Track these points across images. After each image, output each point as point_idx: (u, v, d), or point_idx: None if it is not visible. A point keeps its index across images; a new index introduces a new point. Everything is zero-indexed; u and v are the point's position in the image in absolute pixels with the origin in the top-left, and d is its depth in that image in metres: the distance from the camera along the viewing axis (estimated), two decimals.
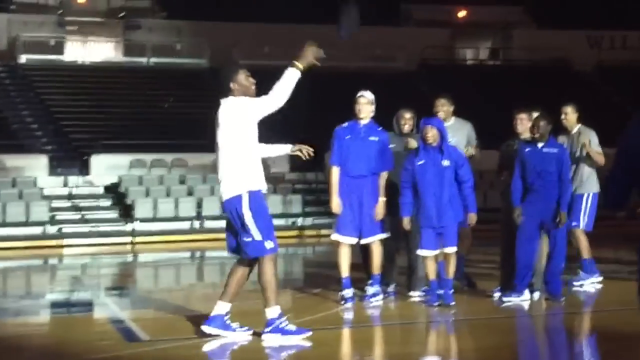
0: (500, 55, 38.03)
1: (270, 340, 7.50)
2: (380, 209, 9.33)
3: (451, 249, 9.11)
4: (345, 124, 9.55)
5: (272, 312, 7.51)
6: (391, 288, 9.92)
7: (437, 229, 9.07)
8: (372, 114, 9.50)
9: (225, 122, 7.47)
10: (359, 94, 9.54)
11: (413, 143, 9.61)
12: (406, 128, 9.89)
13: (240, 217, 7.40)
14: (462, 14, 37.32)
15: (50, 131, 26.94)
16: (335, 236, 9.46)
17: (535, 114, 9.65)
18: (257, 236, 7.38)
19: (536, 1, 35.96)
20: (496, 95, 29.59)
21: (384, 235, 9.48)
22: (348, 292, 9.44)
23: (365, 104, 9.43)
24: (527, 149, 9.43)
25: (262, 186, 7.52)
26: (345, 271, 9.43)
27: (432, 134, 9.03)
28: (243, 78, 7.62)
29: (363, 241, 9.46)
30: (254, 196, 7.40)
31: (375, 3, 35.14)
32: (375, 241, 9.43)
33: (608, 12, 34.50)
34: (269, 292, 7.46)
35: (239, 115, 7.45)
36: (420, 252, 9.22)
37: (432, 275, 9.23)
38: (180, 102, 28.78)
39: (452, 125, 9.98)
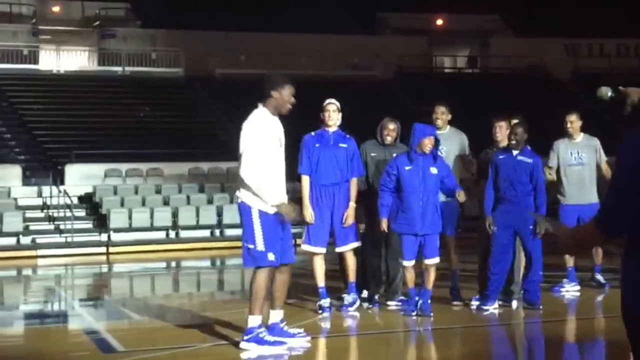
0: (478, 63, 38.21)
1: (247, 348, 7.45)
2: (350, 215, 9.31)
3: (432, 260, 9.05)
4: (313, 133, 9.51)
5: (253, 321, 7.49)
6: (376, 297, 9.87)
7: (419, 237, 9.02)
8: (339, 122, 9.46)
9: (247, 132, 7.44)
10: (326, 102, 9.51)
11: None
12: (389, 139, 9.83)
13: (249, 223, 7.44)
14: (439, 22, 37.50)
15: (24, 141, 26.75)
16: (305, 247, 9.41)
17: (514, 121, 9.66)
18: (260, 246, 7.40)
19: (513, 9, 36.19)
20: (474, 103, 29.68)
21: (357, 244, 9.45)
22: (325, 302, 9.40)
23: (334, 111, 9.41)
24: (501, 156, 9.42)
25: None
26: (320, 280, 9.39)
27: (431, 143, 9.01)
28: (287, 93, 7.54)
29: (338, 250, 9.43)
30: (265, 214, 7.43)
31: (351, 11, 35.27)
32: (349, 250, 9.40)
33: (585, 19, 34.76)
34: (255, 301, 7.43)
35: (252, 132, 7.44)
36: (403, 262, 9.16)
37: (411, 284, 9.18)
38: (156, 112, 28.71)
39: (446, 134, 9.93)
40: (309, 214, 9.24)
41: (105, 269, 18.85)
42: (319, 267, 9.38)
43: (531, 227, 9.24)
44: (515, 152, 9.35)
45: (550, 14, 35.37)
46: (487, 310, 9.36)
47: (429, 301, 9.14)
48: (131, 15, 34.07)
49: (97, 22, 33.18)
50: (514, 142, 9.34)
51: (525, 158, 9.35)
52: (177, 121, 28.50)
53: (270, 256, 7.43)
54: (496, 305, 9.44)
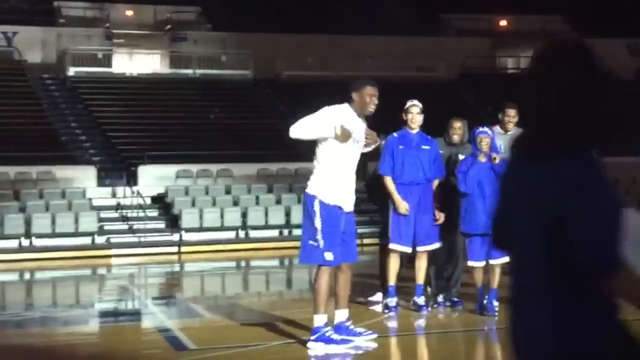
0: None
1: (315, 348, 7.61)
2: (440, 214, 9.45)
3: (498, 261, 9.14)
4: (396, 134, 9.62)
5: (319, 320, 7.65)
6: (440, 298, 9.96)
7: (485, 237, 9.13)
8: (421, 123, 9.58)
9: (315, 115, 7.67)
10: (410, 103, 9.61)
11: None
12: (455, 138, 9.94)
13: (310, 215, 7.56)
14: (502, 23, 37.21)
15: (99, 142, 27.30)
16: (392, 245, 9.50)
17: None
18: (320, 243, 7.51)
19: (575, 10, 35.70)
20: None
21: (438, 244, 9.56)
22: (392, 301, 9.52)
23: (417, 113, 9.53)
24: None
25: (338, 203, 7.62)
26: (392, 280, 9.52)
27: (486, 142, 9.20)
28: (366, 94, 7.77)
29: (419, 249, 9.53)
30: (326, 207, 7.54)
31: (415, 13, 35.18)
32: (428, 250, 9.52)
33: None
34: (319, 301, 7.58)
35: (330, 116, 7.62)
36: (469, 262, 9.29)
37: (479, 283, 9.30)
38: (226, 113, 28.98)
39: (512, 135, 9.97)
40: (403, 206, 9.36)
41: (176, 268, 19.14)
42: (395, 266, 9.50)
43: None
44: None
45: (612, 14, 34.80)
46: None
47: (495, 301, 9.22)
48: (202, 19, 34.46)
49: (169, 26, 33.64)
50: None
51: None
52: (246, 122, 28.74)
53: (329, 255, 7.54)
54: None
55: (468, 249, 9.30)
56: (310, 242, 7.54)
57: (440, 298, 9.94)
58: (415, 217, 9.38)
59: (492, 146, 9.31)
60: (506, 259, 9.09)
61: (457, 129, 9.95)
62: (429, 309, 9.61)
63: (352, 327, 7.96)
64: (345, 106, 7.79)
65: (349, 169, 7.75)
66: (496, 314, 9.14)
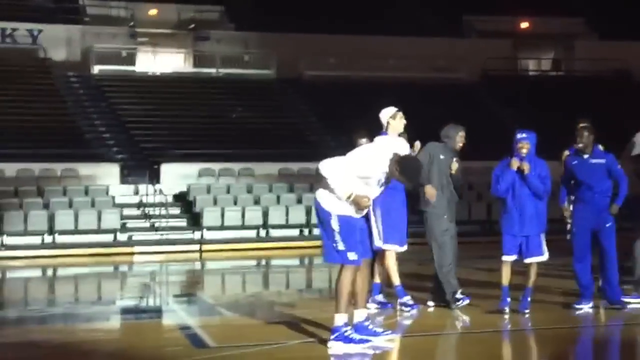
0: (562, 66, 37.64)
1: (334, 347, 7.69)
2: None
3: (534, 259, 9.38)
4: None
5: (339, 319, 7.74)
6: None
7: (517, 237, 9.36)
8: None
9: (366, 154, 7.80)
10: (396, 110, 9.68)
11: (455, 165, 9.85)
12: (460, 145, 9.98)
13: (327, 222, 7.73)
14: (524, 25, 37.07)
15: (122, 140, 27.45)
16: (388, 246, 9.71)
17: (581, 125, 9.75)
18: (341, 246, 7.64)
19: (598, 12, 35.53)
20: (558, 106, 29.34)
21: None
22: (408, 299, 9.78)
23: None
24: (574, 162, 9.67)
25: (353, 214, 7.73)
26: (397, 279, 9.81)
27: (526, 148, 9.34)
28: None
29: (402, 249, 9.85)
30: (342, 217, 7.68)
31: (437, 14, 35.14)
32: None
33: None
34: (340, 300, 7.70)
35: (365, 165, 7.69)
36: (503, 257, 9.45)
37: (505, 281, 9.45)
38: (248, 113, 29.06)
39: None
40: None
41: (198, 265, 19.24)
42: (394, 266, 9.79)
43: (608, 225, 9.49)
44: (586, 156, 9.52)
45: (634, 17, 34.58)
46: (580, 309, 9.48)
47: (528, 299, 9.31)
48: (225, 18, 34.54)
49: (192, 25, 33.76)
50: (581, 145, 9.51)
51: (598, 160, 9.50)
52: (268, 122, 28.82)
53: (352, 255, 7.66)
54: (591, 304, 9.53)
55: (503, 245, 9.48)
56: (334, 244, 7.70)
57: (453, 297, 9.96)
58: (401, 218, 9.70)
59: (530, 153, 9.35)
60: (543, 258, 9.23)
61: (463, 137, 9.97)
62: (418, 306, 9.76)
63: (371, 326, 8.03)
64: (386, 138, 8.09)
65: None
66: (527, 312, 9.23)
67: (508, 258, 9.44)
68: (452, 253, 9.88)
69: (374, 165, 7.66)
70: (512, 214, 9.34)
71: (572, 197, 9.92)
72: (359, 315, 8.01)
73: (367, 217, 7.99)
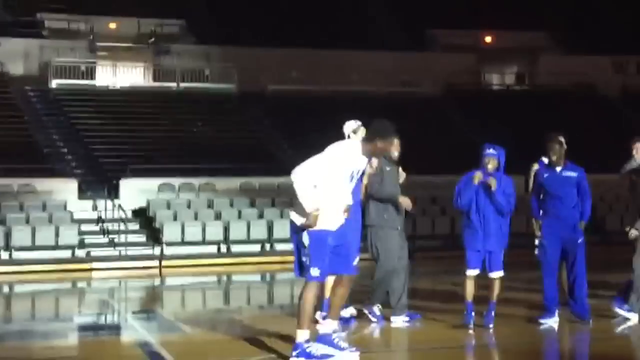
0: (526, 80, 37.96)
1: None
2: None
3: (496, 274, 9.36)
4: None
5: (301, 336, 7.62)
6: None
7: (482, 252, 9.33)
8: None
9: (324, 156, 7.72)
10: (357, 125, 9.67)
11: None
12: (395, 154, 9.95)
13: (297, 236, 7.69)
14: (488, 39, 37.34)
15: (81, 155, 27.19)
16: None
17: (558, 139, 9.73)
18: (308, 259, 7.61)
19: (562, 26, 35.94)
20: (522, 120, 29.55)
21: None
22: (346, 311, 9.74)
23: None
24: (545, 174, 9.66)
25: (325, 227, 7.64)
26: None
27: (492, 164, 9.27)
28: (384, 145, 7.81)
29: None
30: (313, 233, 7.59)
31: (401, 28, 35.31)
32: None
33: (633, 37, 34.37)
34: (302, 316, 7.61)
35: (337, 163, 7.64)
36: (467, 272, 9.38)
37: (468, 296, 9.39)
38: (209, 127, 28.97)
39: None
40: None
41: (157, 282, 19.10)
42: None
43: (579, 241, 9.49)
44: (558, 169, 9.51)
45: (598, 31, 35.05)
46: (544, 324, 9.48)
47: (492, 313, 9.28)
48: (185, 32, 34.43)
49: (152, 39, 33.60)
50: (554, 157, 9.50)
51: (570, 173, 9.49)
52: (230, 136, 28.74)
53: (315, 271, 7.57)
54: (556, 318, 9.51)
55: (466, 260, 9.42)
56: (303, 258, 7.67)
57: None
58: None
59: (499, 169, 9.31)
60: (501, 273, 9.19)
61: (398, 145, 9.92)
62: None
63: (336, 340, 7.89)
64: (353, 144, 7.84)
65: (338, 199, 7.74)
66: (491, 326, 9.16)
67: (472, 272, 9.38)
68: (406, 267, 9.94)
69: (343, 156, 7.61)
70: (475, 229, 9.30)
71: (541, 211, 9.84)
72: (328, 325, 7.90)
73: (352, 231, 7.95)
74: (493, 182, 9.16)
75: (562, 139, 9.64)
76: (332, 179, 7.63)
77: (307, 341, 7.63)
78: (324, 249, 7.62)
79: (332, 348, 7.75)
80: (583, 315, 9.60)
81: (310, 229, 7.57)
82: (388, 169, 9.86)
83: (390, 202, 9.77)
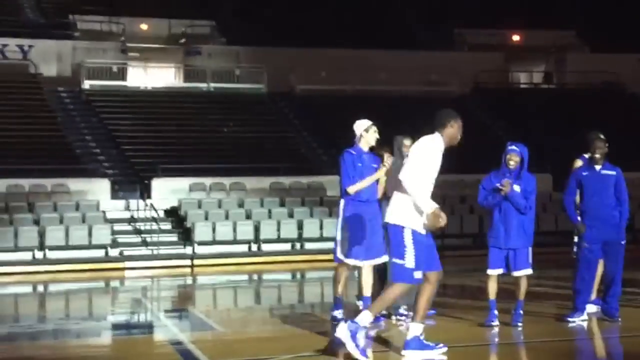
0: (554, 78, 37.74)
1: (410, 355, 7.67)
2: None
3: (521, 272, 9.31)
4: (353, 151, 9.72)
5: (417, 329, 7.72)
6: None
7: (503, 250, 9.31)
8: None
9: (417, 154, 7.70)
10: (369, 124, 9.71)
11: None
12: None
13: (402, 243, 7.66)
14: (515, 38, 37.17)
15: (113, 155, 27.39)
16: (345, 259, 9.72)
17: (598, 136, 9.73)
18: (410, 263, 7.62)
19: (589, 25, 35.66)
20: (550, 119, 29.40)
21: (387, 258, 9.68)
22: (339, 313, 9.71)
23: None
24: (584, 172, 9.61)
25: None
26: (340, 290, 9.76)
27: (514, 161, 9.28)
28: (457, 127, 7.85)
29: (371, 262, 9.74)
30: (417, 234, 7.66)
31: (429, 27, 35.23)
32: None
33: None
34: (377, 307, 7.77)
35: (431, 155, 7.68)
36: (488, 271, 9.39)
37: (491, 295, 9.40)
38: (239, 127, 29.04)
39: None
40: None
41: (189, 280, 19.17)
42: (343, 279, 9.75)
43: (622, 242, 9.53)
44: (598, 167, 9.49)
45: (625, 29, 34.72)
46: (573, 322, 9.49)
47: (521, 311, 9.28)
48: (216, 33, 34.54)
49: (183, 40, 33.76)
50: (597, 155, 9.48)
51: (609, 171, 9.48)
52: (260, 136, 28.79)
53: (418, 274, 7.66)
54: (585, 317, 9.54)
55: (488, 259, 9.41)
56: (400, 261, 7.66)
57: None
58: (371, 231, 9.57)
59: (521, 166, 9.30)
60: (529, 271, 9.20)
61: (408, 146, 9.95)
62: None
63: (425, 340, 7.92)
64: (438, 137, 7.82)
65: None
66: (520, 324, 9.18)
67: (493, 272, 9.37)
68: None
69: (438, 151, 7.67)
70: (497, 227, 9.31)
71: (578, 211, 9.76)
72: (416, 329, 7.86)
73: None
74: (507, 184, 9.16)
75: (604, 137, 9.66)
76: (431, 176, 7.68)
77: (421, 334, 7.75)
78: (428, 249, 7.71)
79: (421, 350, 7.77)
80: (613, 315, 9.59)
81: (415, 230, 7.61)
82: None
83: None
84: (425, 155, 7.62)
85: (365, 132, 9.66)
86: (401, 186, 7.64)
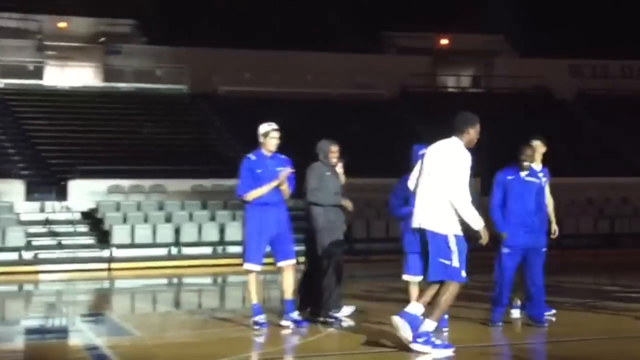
0: (482, 83, 38.23)
1: (419, 348, 7.71)
2: None
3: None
4: (253, 156, 9.56)
5: (431, 325, 7.79)
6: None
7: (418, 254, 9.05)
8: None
9: (446, 160, 7.87)
10: (270, 128, 9.49)
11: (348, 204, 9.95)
12: (334, 161, 10.00)
13: (447, 246, 7.78)
14: (444, 41, 37.48)
15: (28, 156, 26.80)
16: (249, 265, 9.56)
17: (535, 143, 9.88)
18: (456, 263, 7.77)
19: (518, 30, 36.20)
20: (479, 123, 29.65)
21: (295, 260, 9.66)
22: (261, 318, 9.53)
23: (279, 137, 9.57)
24: (509, 177, 9.55)
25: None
26: (255, 298, 9.58)
27: None
28: (474, 132, 8.05)
29: (283, 264, 9.63)
30: (458, 237, 7.84)
31: (356, 30, 35.31)
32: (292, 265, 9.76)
33: (589, 41, 34.78)
34: (439, 310, 7.80)
35: (459, 160, 7.86)
36: (405, 277, 9.20)
37: (413, 299, 9.19)
38: (160, 128, 28.74)
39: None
40: None
41: (107, 284, 18.86)
42: (254, 285, 9.53)
43: (543, 249, 9.53)
44: (523, 173, 9.47)
45: (554, 35, 35.38)
46: (499, 325, 9.48)
47: (446, 316, 9.09)
48: (137, 32, 34.13)
49: (103, 39, 33.26)
50: (523, 162, 9.47)
51: (533, 178, 9.47)
52: (181, 138, 28.53)
53: (464, 273, 7.84)
54: (501, 322, 9.52)
55: (404, 265, 9.20)
56: (447, 262, 7.77)
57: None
58: (277, 234, 9.45)
59: None
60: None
61: (335, 152, 9.98)
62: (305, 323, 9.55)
63: (433, 339, 7.94)
64: (459, 143, 8.01)
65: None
66: (445, 329, 9.04)
67: (413, 278, 9.17)
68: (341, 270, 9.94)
69: (467, 157, 7.85)
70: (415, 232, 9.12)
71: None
72: (429, 325, 7.89)
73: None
74: None
75: (535, 144, 9.81)
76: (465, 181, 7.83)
77: (432, 332, 7.80)
78: (465, 252, 7.88)
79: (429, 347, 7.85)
80: (540, 320, 9.51)
81: (456, 235, 7.76)
82: (328, 174, 9.89)
83: (334, 205, 9.83)
84: (459, 169, 7.78)
85: (264, 137, 9.47)
86: (433, 191, 7.82)
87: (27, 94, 30.03)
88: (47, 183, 24.87)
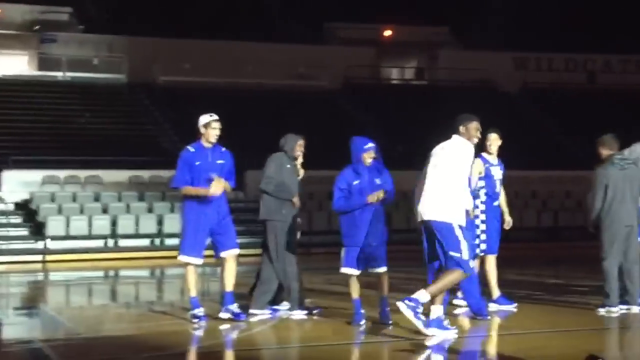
0: (426, 75, 38.37)
1: (431, 334, 8.07)
2: None
3: (380, 269, 9.01)
4: (192, 148, 9.36)
5: (438, 310, 8.17)
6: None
7: (364, 248, 8.95)
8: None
9: (450, 157, 8.25)
10: (212, 118, 9.30)
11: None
12: (298, 153, 9.90)
13: (452, 237, 8.12)
14: (387, 33, 37.50)
15: None
16: (185, 258, 9.46)
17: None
18: (465, 255, 8.13)
19: (462, 22, 36.41)
20: (421, 115, 29.77)
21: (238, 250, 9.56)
22: (200, 311, 9.41)
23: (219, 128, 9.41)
24: None
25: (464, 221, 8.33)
26: (194, 291, 9.48)
27: (370, 156, 8.97)
28: (473, 128, 8.43)
29: (226, 254, 9.47)
30: (461, 228, 8.20)
31: (299, 20, 35.21)
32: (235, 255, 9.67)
33: (534, 34, 35.13)
34: (436, 288, 8.12)
35: (462, 156, 8.28)
36: (344, 270, 9.06)
37: (355, 294, 9.09)
38: (97, 118, 28.36)
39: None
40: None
41: (41, 277, 18.55)
42: (193, 278, 9.39)
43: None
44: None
45: (499, 28, 35.69)
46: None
47: (388, 309, 9.01)
48: (73, 20, 33.62)
49: (38, 26, 32.69)
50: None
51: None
52: (118, 128, 28.19)
53: (472, 263, 8.31)
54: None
55: (344, 258, 9.05)
56: (457, 254, 8.10)
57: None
58: (218, 225, 9.29)
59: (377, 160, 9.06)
60: (385, 268, 8.98)
61: (302, 145, 9.88)
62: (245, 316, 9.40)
63: (445, 322, 8.34)
64: (460, 139, 8.37)
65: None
66: (390, 322, 8.94)
67: (353, 271, 9.02)
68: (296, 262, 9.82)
69: (470, 156, 8.36)
70: (357, 225, 8.95)
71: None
72: (437, 311, 8.27)
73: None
74: (379, 195, 8.91)
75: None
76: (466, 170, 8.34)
77: (421, 305, 8.10)
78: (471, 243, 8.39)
79: (442, 330, 8.23)
80: (482, 313, 9.49)
81: (460, 225, 8.12)
82: (288, 166, 9.77)
83: (287, 198, 9.72)
84: (461, 160, 8.23)
85: (205, 128, 9.27)
86: (438, 182, 8.15)
87: None
88: None
